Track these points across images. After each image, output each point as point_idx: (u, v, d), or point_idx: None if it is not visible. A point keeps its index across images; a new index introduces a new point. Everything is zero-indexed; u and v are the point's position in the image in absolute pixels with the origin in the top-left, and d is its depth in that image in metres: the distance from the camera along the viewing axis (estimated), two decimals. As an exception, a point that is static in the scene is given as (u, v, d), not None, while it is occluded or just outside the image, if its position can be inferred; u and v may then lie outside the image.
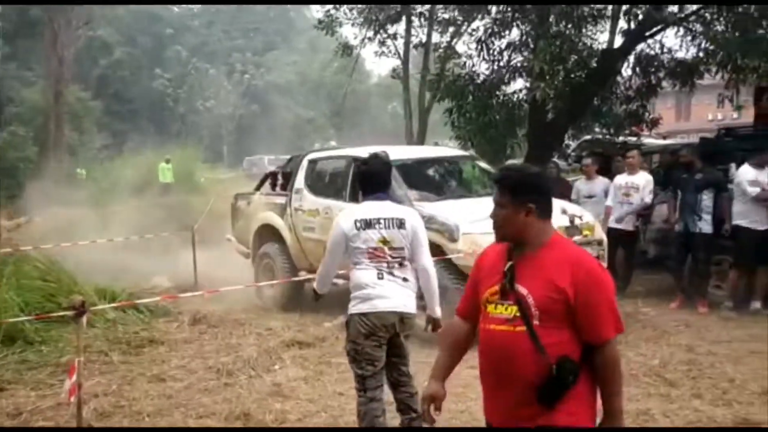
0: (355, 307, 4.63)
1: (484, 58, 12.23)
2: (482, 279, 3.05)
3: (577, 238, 7.92)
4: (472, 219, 7.61)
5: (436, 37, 19.83)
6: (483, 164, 10.03)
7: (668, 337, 7.75)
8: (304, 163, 10.00)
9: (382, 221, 4.64)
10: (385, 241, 4.62)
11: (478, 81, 12.19)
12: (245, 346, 7.63)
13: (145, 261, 13.31)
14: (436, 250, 7.03)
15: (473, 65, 12.47)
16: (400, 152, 9.12)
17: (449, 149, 12.09)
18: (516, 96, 12.72)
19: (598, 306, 2.83)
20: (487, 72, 12.33)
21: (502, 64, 12.18)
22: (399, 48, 20.53)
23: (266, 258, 10.16)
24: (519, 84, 12.86)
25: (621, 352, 6.81)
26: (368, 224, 4.63)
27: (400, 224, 4.66)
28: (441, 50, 19.24)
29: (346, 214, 4.83)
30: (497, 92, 12.39)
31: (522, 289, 2.86)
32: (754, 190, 8.56)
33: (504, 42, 12.04)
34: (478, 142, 11.95)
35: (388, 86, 62.33)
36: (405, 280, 4.66)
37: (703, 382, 6.17)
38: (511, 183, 2.97)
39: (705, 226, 8.89)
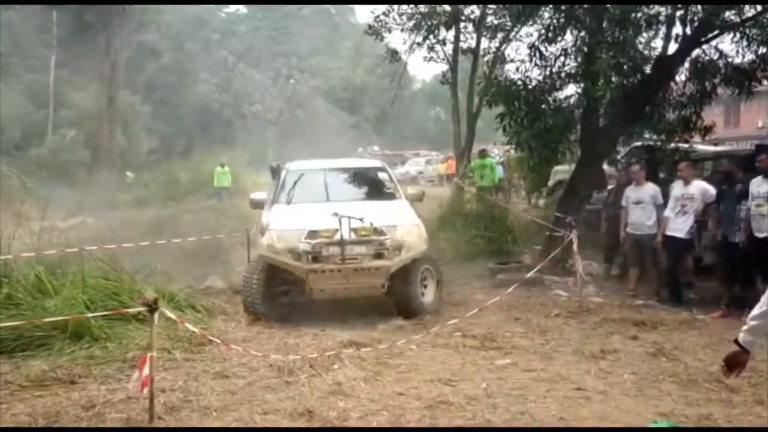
0: None
1: (536, 64, 12.22)
2: None
3: (354, 237, 9.05)
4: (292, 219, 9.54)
5: (484, 43, 19.87)
6: (383, 174, 11.39)
7: (726, 344, 7.69)
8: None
9: None
10: None
11: (531, 86, 12.18)
12: (303, 345, 7.78)
13: (198, 262, 13.58)
14: None
15: (526, 70, 12.46)
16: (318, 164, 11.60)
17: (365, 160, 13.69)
18: (568, 101, 12.69)
19: None
20: (539, 77, 12.33)
21: (555, 69, 12.17)
22: (447, 53, 20.55)
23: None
24: (571, 89, 12.85)
25: (678, 358, 6.92)
26: None
27: None
28: (490, 55, 19.27)
29: None
30: (549, 97, 12.36)
31: None
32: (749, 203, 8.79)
33: (557, 47, 12.04)
34: (534, 147, 11.94)
35: (433, 92, 62.58)
36: None
37: (765, 389, 6.13)
38: None
39: (743, 236, 8.88)
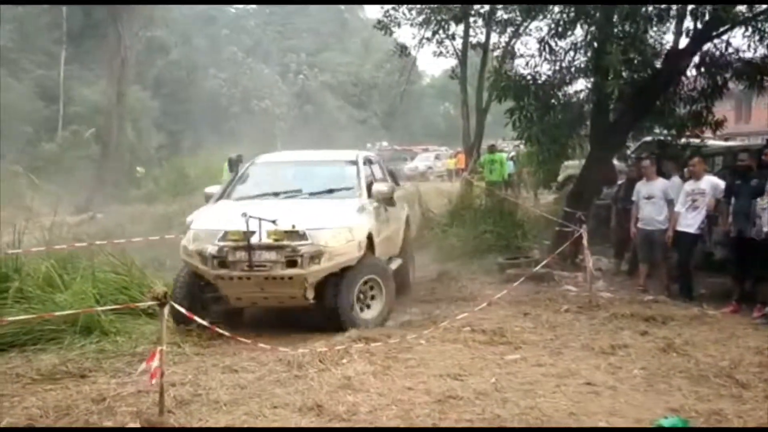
0: None
1: (546, 59, 12.19)
2: None
3: (265, 241, 7.99)
4: (215, 218, 8.58)
5: (494, 38, 19.83)
6: (351, 169, 9.81)
7: (736, 340, 7.67)
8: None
9: None
10: None
11: (540, 81, 12.15)
12: (312, 340, 7.77)
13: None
14: None
15: (535, 65, 12.42)
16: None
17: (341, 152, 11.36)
18: (578, 96, 12.66)
19: None
20: (549, 72, 12.29)
21: (564, 64, 12.14)
22: (457, 48, 20.52)
23: None
24: (580, 84, 12.81)
25: (688, 353, 6.90)
26: None
27: None
28: (500, 50, 19.23)
29: None
30: (559, 92, 12.33)
31: None
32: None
33: (567, 42, 12.00)
34: (543, 142, 11.89)
35: (442, 87, 62.51)
36: None
37: (776, 385, 6.11)
38: None
39: (759, 232, 8.82)
